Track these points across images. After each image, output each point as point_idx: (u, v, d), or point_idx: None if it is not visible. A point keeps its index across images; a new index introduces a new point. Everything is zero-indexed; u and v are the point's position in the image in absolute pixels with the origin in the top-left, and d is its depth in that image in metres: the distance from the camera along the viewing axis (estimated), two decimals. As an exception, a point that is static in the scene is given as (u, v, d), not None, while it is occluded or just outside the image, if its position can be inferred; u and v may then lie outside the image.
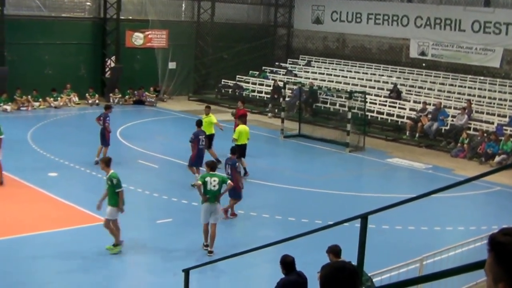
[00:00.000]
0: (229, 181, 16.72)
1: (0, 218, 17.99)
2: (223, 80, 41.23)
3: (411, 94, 34.32)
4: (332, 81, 37.55)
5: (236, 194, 18.47)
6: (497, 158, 26.94)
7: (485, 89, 33.09)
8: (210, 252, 16.04)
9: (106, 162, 16.60)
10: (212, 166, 16.74)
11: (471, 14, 34.39)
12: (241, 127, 23.80)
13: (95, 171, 23.11)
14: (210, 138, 24.05)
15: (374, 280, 11.15)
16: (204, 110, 25.50)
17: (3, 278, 14.26)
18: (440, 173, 25.19)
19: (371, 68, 38.67)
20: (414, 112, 31.94)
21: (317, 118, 34.08)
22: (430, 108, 31.48)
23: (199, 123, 22.64)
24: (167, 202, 20.43)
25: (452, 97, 33.10)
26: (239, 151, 23.05)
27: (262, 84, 39.52)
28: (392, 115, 32.80)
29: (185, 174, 23.05)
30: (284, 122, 31.14)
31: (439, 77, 35.59)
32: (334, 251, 11.14)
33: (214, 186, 16.13)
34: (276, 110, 35.48)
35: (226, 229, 18.16)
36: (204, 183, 16.11)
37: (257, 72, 41.58)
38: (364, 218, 7.11)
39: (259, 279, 15.25)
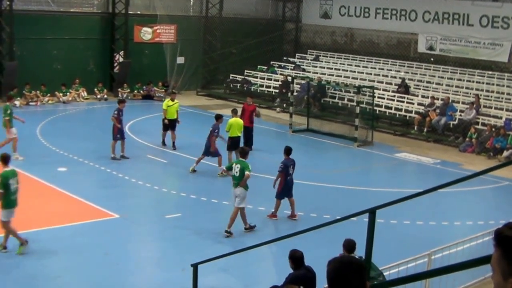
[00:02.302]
0: (247, 172, 17.15)
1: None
2: (231, 75, 41.24)
3: (419, 89, 34.25)
4: (340, 76, 37.51)
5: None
6: (505, 153, 26.92)
7: (493, 84, 33.00)
8: (226, 231, 17.08)
9: (3, 159, 15.44)
10: (242, 153, 17.97)
11: (479, 9, 34.29)
12: (233, 119, 23.95)
13: (104, 166, 23.22)
14: (174, 122, 26.32)
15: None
16: (171, 96, 27.32)
17: (14, 272, 14.36)
18: (448, 168, 25.16)
19: (379, 62, 38.61)
20: (422, 107, 31.90)
21: (325, 113, 34.07)
22: (438, 103, 31.42)
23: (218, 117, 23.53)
24: (175, 197, 20.52)
25: (460, 92, 33.03)
26: (231, 143, 23.23)
27: (270, 79, 39.50)
28: (400, 109, 32.76)
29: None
30: (293, 116, 31.18)
31: (447, 71, 35.51)
32: (347, 246, 11.17)
33: (237, 172, 17.20)
34: (284, 105, 35.50)
35: (234, 223, 18.21)
36: (231, 169, 17.54)
37: (265, 67, 41.54)
38: (372, 212, 7.12)
39: (268, 274, 15.30)
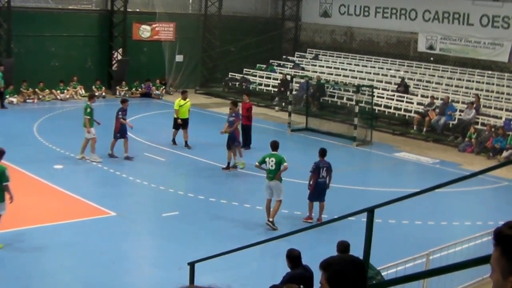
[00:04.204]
0: (285, 164, 17.62)
1: (6, 210, 18.00)
2: (230, 73, 41.13)
3: (419, 88, 34.15)
4: (340, 75, 37.38)
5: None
6: (504, 153, 26.80)
7: (493, 84, 32.90)
8: (269, 221, 17.50)
9: None
10: (275, 146, 18.15)
11: (480, 8, 34.19)
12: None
13: (100, 164, 23.08)
14: (187, 121, 26.23)
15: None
16: (182, 95, 27.07)
17: (10, 270, 14.29)
18: (447, 168, 25.06)
19: (379, 62, 38.49)
20: (422, 107, 31.80)
21: (324, 112, 33.96)
22: (437, 102, 31.32)
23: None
24: (173, 195, 20.40)
25: (460, 92, 32.94)
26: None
27: (269, 78, 39.40)
28: (400, 109, 32.66)
29: (192, 167, 23.02)
30: (291, 115, 31.09)
31: (447, 71, 35.41)
32: (341, 247, 11.06)
33: (272, 166, 17.68)
34: (283, 104, 35.40)
35: (232, 222, 18.12)
36: (264, 163, 17.88)
37: (264, 66, 41.45)
38: (370, 211, 7.07)
39: (265, 273, 15.18)
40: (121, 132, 23.86)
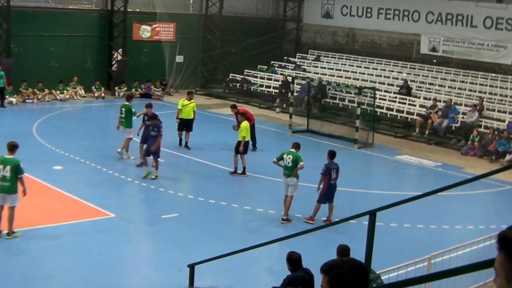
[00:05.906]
0: (301, 163, 18.05)
1: (4, 211, 17.81)
2: (231, 74, 41.06)
3: (421, 91, 34.01)
4: (341, 77, 37.27)
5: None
6: (508, 157, 26.64)
7: (496, 86, 32.73)
8: (283, 219, 18.14)
9: (9, 146, 16.11)
10: (295, 145, 18.66)
11: (483, 10, 34.05)
12: (246, 123, 23.61)
13: (100, 164, 22.99)
14: (190, 122, 26.02)
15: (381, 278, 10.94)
16: (188, 95, 26.84)
17: (8, 271, 14.18)
18: (450, 171, 24.93)
19: (381, 63, 38.37)
20: (424, 109, 31.65)
21: (325, 114, 33.85)
22: (440, 105, 31.17)
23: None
24: (172, 197, 20.27)
25: (463, 94, 32.79)
26: (245, 148, 22.94)
27: (270, 79, 39.28)
28: (402, 111, 32.52)
29: (190, 168, 22.89)
30: (292, 117, 30.96)
31: (450, 73, 35.25)
32: (342, 251, 10.92)
33: (289, 163, 18.16)
34: (284, 105, 35.27)
35: (232, 224, 17.98)
36: (282, 159, 18.39)
37: (265, 67, 41.36)
38: (372, 214, 7.00)
39: (265, 276, 15.07)
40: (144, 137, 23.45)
